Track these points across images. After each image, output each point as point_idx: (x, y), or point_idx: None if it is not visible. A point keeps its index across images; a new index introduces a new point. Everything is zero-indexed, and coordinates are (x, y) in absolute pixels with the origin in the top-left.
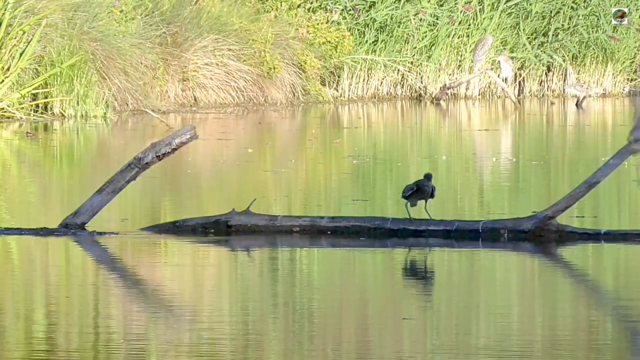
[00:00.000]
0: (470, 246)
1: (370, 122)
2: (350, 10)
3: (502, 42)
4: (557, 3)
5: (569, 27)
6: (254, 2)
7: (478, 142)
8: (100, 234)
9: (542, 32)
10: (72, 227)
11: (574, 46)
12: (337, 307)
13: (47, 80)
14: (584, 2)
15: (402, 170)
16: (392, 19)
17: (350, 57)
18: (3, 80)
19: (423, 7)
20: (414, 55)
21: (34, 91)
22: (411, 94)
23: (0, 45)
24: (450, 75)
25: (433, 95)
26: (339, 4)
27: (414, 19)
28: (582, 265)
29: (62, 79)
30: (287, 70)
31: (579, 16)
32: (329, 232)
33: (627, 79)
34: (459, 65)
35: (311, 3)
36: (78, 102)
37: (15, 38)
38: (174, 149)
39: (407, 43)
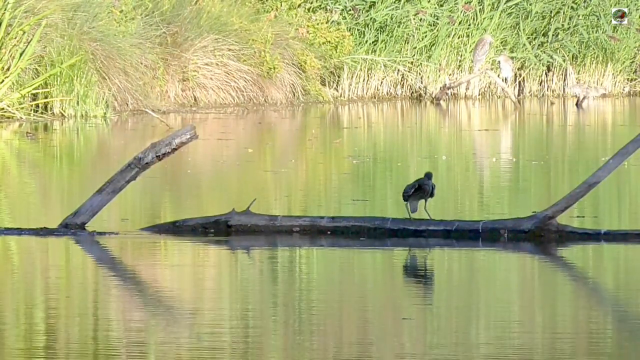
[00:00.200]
0: (470, 246)
1: (370, 122)
2: (350, 10)
3: (502, 42)
4: (557, 3)
5: (569, 27)
6: (254, 2)
7: (478, 142)
8: (100, 234)
9: (542, 32)
10: (72, 227)
11: (574, 46)
12: (337, 307)
13: (47, 80)
14: (584, 2)
15: (402, 170)
16: (392, 19)
17: (350, 57)
18: (3, 80)
19: (423, 7)
20: (414, 55)
21: (34, 91)
22: (411, 94)
23: (0, 45)
24: (450, 75)
25: (433, 95)
26: (339, 4)
27: (414, 19)
28: (582, 265)
29: (62, 79)
30: (287, 70)
31: (579, 16)
32: (329, 232)
33: (627, 79)
34: (459, 65)
35: (311, 3)
36: (78, 102)
37: (15, 38)
38: (174, 149)
39: (407, 43)
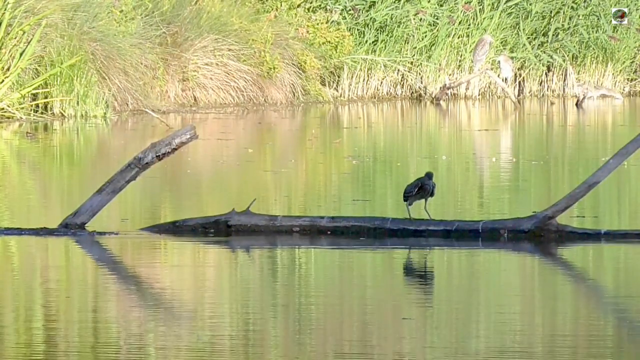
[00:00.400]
0: (470, 246)
1: (370, 122)
2: (350, 10)
3: (502, 42)
4: (557, 3)
5: (569, 27)
6: (254, 2)
7: (478, 142)
8: (100, 234)
9: (542, 32)
10: (72, 227)
11: (574, 46)
12: (337, 307)
13: (47, 80)
14: (584, 2)
15: (402, 170)
16: (392, 19)
17: (350, 57)
18: (3, 80)
19: (423, 7)
20: (414, 55)
21: (34, 91)
22: (411, 94)
23: (0, 45)
24: (450, 75)
25: (433, 95)
26: (339, 4)
27: (414, 19)
28: (582, 265)
29: (62, 79)
30: (287, 70)
31: (579, 16)
32: (329, 232)
33: (627, 79)
34: (459, 65)
35: (311, 3)
36: (78, 102)
37: (15, 38)
38: (174, 149)
39: (407, 43)
